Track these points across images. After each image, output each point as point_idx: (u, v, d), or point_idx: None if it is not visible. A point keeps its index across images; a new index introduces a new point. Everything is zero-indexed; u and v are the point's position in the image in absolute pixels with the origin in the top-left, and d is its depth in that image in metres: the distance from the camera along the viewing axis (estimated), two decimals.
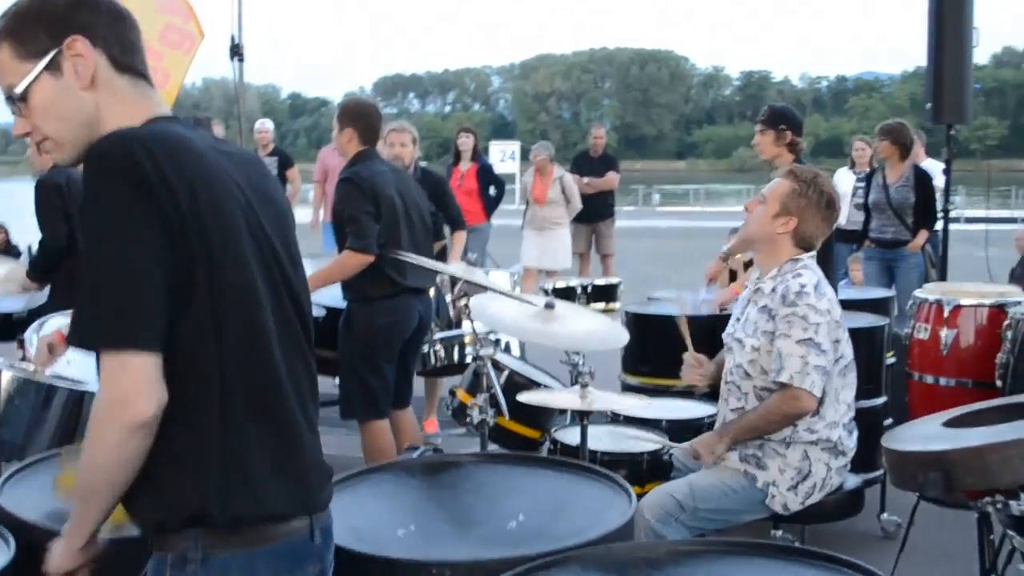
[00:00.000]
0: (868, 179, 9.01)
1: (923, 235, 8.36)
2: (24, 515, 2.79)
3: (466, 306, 4.28)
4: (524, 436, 4.74)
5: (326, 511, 2.17)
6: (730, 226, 13.40)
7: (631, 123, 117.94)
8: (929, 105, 8.15)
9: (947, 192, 8.40)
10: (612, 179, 12.56)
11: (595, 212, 12.37)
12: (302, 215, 9.38)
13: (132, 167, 1.89)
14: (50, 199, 6.28)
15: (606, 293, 7.53)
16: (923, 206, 8.40)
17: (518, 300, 4.46)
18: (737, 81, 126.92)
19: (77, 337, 1.92)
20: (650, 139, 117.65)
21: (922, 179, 8.43)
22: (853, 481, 4.19)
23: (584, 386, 4.12)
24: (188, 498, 1.99)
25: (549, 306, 4.60)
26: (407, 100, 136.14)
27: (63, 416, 4.29)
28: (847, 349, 4.03)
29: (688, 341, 4.47)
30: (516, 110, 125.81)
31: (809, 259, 4.08)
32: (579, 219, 12.35)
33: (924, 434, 3.34)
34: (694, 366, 4.45)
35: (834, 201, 4.11)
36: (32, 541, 2.62)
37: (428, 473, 3.40)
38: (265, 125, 12.95)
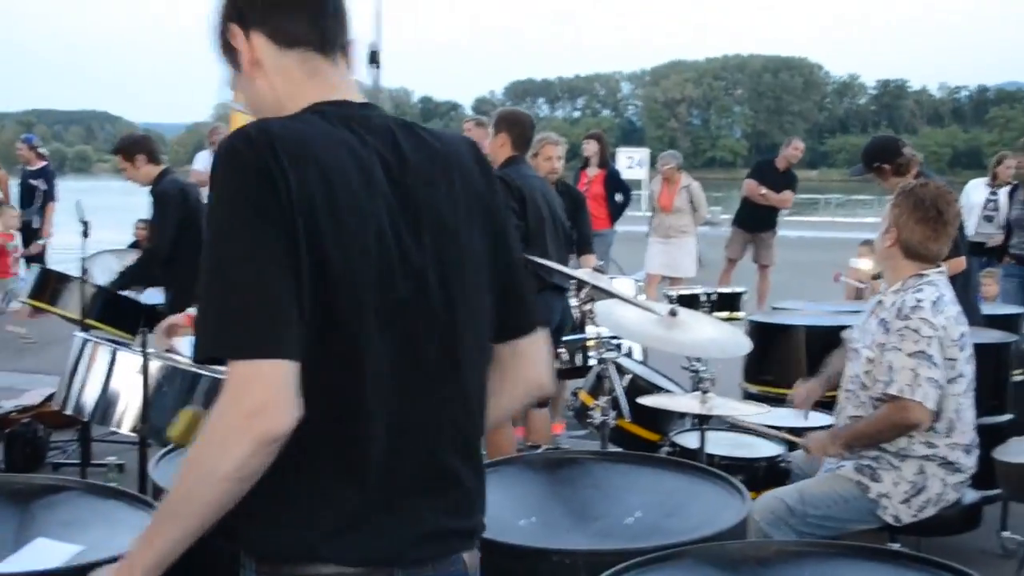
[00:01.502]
0: (1011, 194, 8.82)
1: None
2: None
3: (591, 311, 4.40)
4: (644, 438, 4.85)
5: (424, 566, 1.90)
6: (860, 237, 13.26)
7: (763, 131, 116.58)
8: None
9: None
10: (787, 198, 12.19)
11: (759, 221, 12.19)
12: None
13: (262, 170, 1.74)
14: (168, 209, 6.61)
15: (730, 302, 7.56)
16: None
17: (642, 307, 4.57)
18: (873, 89, 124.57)
19: (208, 346, 1.74)
20: (782, 147, 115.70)
21: None
22: (971, 496, 4.20)
23: (705, 392, 4.22)
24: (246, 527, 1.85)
25: (673, 313, 4.70)
26: (536, 105, 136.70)
27: (205, 403, 4.54)
28: (967, 368, 4.04)
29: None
30: (645, 116, 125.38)
31: (936, 275, 4.10)
32: (740, 224, 12.26)
33: None
34: (804, 402, 4.52)
35: (935, 206, 4.08)
36: None
37: (550, 468, 3.52)
38: None
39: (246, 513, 1.78)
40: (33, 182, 12.99)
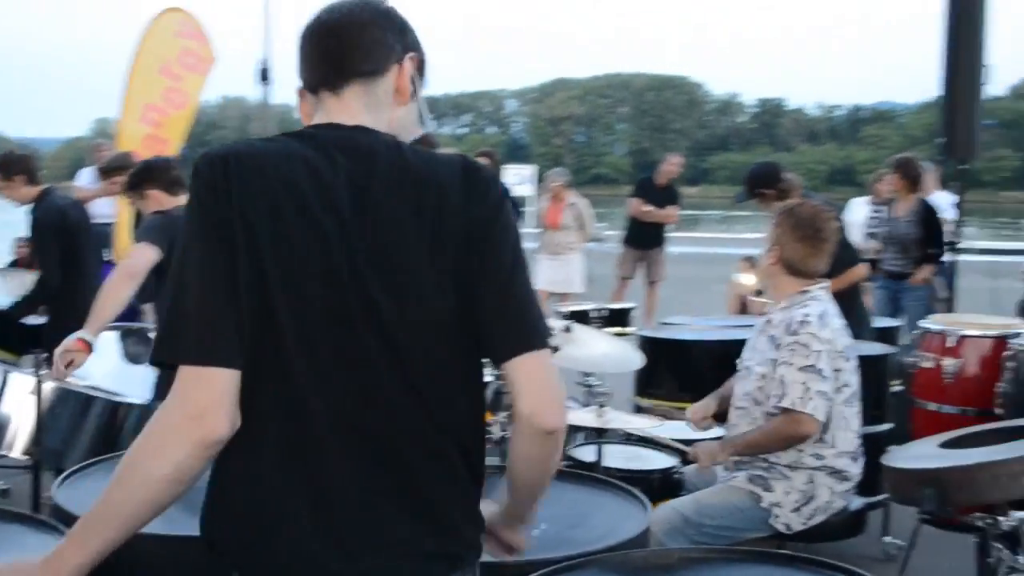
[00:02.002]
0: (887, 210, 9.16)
1: (927, 269, 8.52)
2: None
3: None
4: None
5: None
6: (742, 252, 13.57)
7: (646, 148, 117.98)
8: (941, 140, 8.33)
9: (958, 225, 8.57)
10: (671, 214, 12.44)
11: (648, 239, 12.41)
12: None
13: (210, 184, 1.90)
14: (48, 237, 6.48)
15: (620, 317, 7.70)
16: (928, 240, 8.55)
17: None
18: (752, 108, 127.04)
19: (161, 349, 1.90)
20: (661, 164, 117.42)
21: (929, 213, 8.57)
22: (856, 503, 4.37)
23: (601, 406, 4.31)
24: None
25: (567, 329, 4.79)
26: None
27: (100, 425, 4.50)
28: (852, 378, 4.20)
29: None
30: (531, 133, 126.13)
31: (819, 290, 4.27)
32: (630, 243, 12.44)
33: (921, 454, 3.53)
34: (701, 420, 4.63)
35: (812, 225, 4.26)
36: None
37: None
38: None
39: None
40: None
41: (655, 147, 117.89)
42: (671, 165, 12.72)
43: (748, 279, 11.84)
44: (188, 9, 12.38)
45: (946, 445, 3.59)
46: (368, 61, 2.07)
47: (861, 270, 6.26)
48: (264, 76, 8.35)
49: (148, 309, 7.91)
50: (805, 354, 4.03)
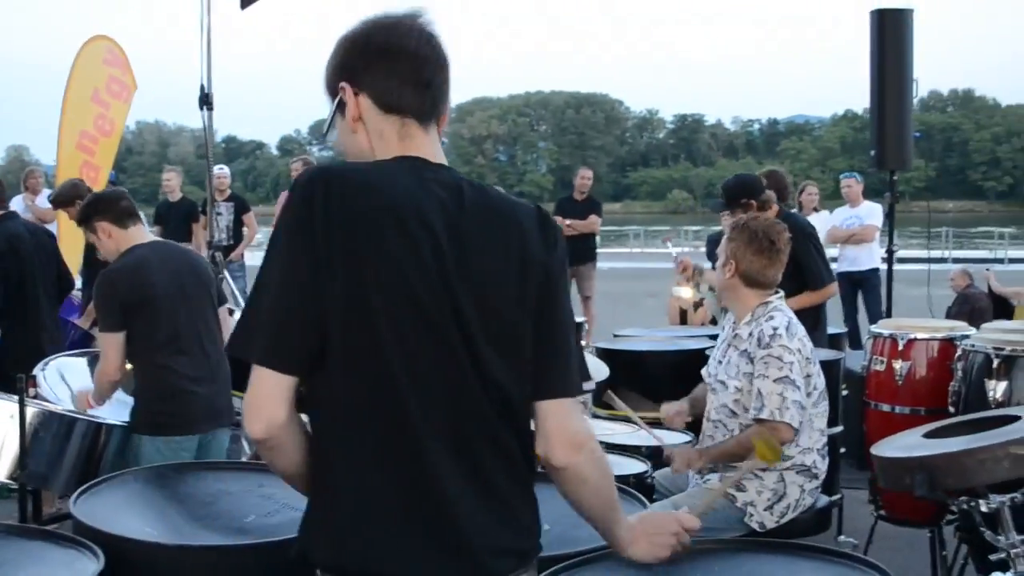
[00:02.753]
0: None
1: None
2: (108, 528, 3.04)
3: None
4: None
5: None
6: (667, 267, 13.82)
7: (567, 165, 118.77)
8: (873, 152, 8.60)
9: (891, 234, 8.86)
10: (594, 222, 12.73)
11: (576, 255, 12.51)
12: (257, 258, 9.66)
13: (307, 199, 2.01)
14: None
15: None
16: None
17: None
18: (671, 124, 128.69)
19: (236, 345, 2.06)
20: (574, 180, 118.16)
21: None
22: (823, 500, 4.56)
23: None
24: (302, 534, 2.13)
25: None
26: None
27: (83, 446, 4.55)
28: (819, 380, 4.41)
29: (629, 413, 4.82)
30: (453, 153, 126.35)
31: (778, 300, 4.47)
32: None
33: (909, 444, 3.74)
34: (677, 415, 4.80)
35: (767, 237, 4.47)
36: (120, 553, 2.89)
37: None
38: (223, 171, 13.17)
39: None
40: None
41: (576, 164, 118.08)
42: (581, 179, 13.28)
43: (687, 292, 12.05)
44: (111, 37, 12.48)
45: (929, 435, 3.80)
46: (446, 104, 2.27)
47: (834, 287, 6.56)
48: (204, 102, 8.36)
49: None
50: (779, 366, 4.22)
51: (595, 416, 6.20)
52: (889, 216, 8.90)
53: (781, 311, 4.41)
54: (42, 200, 12.33)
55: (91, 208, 4.95)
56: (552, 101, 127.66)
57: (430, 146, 2.21)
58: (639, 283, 19.52)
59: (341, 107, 2.21)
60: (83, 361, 5.62)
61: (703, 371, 4.71)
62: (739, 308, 4.51)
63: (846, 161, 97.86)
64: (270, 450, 2.08)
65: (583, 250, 12.71)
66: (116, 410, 4.88)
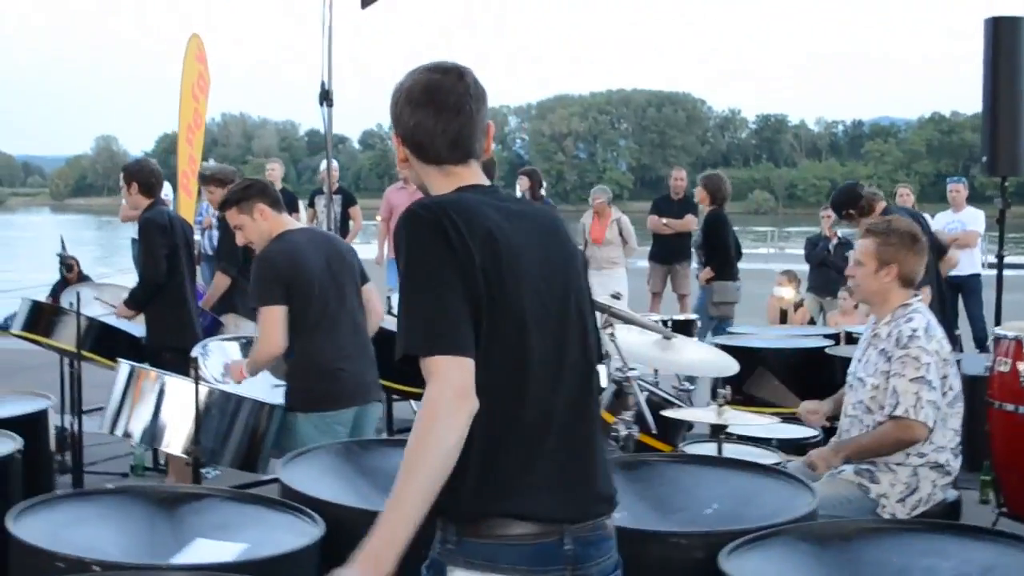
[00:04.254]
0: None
1: (706, 271, 10.44)
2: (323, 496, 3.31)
3: (612, 335, 4.82)
4: (658, 451, 5.26)
5: (585, 524, 2.50)
6: (754, 267, 13.97)
7: (647, 164, 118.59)
8: (984, 158, 8.65)
9: (1001, 239, 8.88)
10: (690, 221, 12.71)
11: (673, 253, 12.71)
12: (366, 252, 9.97)
13: (435, 224, 2.40)
14: (156, 238, 6.79)
15: (685, 328, 8.03)
16: (709, 247, 10.50)
17: (659, 332, 5.04)
18: (753, 124, 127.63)
19: (410, 346, 2.37)
20: (666, 181, 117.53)
21: (714, 225, 10.46)
22: (952, 495, 4.71)
23: (721, 404, 4.67)
24: (446, 492, 2.37)
25: (667, 337, 5.16)
26: None
27: (248, 424, 4.85)
28: (955, 382, 4.56)
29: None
30: (532, 150, 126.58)
31: (918, 302, 4.62)
32: (656, 259, 12.78)
33: None
34: (812, 413, 4.97)
35: (915, 234, 4.65)
36: (338, 518, 3.16)
37: (625, 470, 3.93)
38: (334, 164, 13.50)
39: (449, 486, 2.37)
40: None
41: (657, 163, 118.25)
42: (677, 180, 13.39)
43: (787, 292, 12.19)
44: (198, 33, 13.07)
45: None
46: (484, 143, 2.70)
47: (927, 292, 6.80)
48: (324, 98, 8.58)
49: (228, 320, 8.26)
50: (916, 366, 4.38)
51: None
52: (999, 222, 8.92)
53: (920, 313, 4.56)
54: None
55: (251, 189, 5.19)
56: (633, 99, 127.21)
57: (473, 176, 2.62)
58: None
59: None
60: (236, 345, 5.93)
61: (848, 373, 4.88)
62: (883, 309, 4.65)
63: (932, 164, 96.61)
64: (464, 427, 2.35)
65: (679, 249, 12.82)
66: (267, 395, 5.16)
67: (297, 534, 3.13)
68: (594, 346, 2.62)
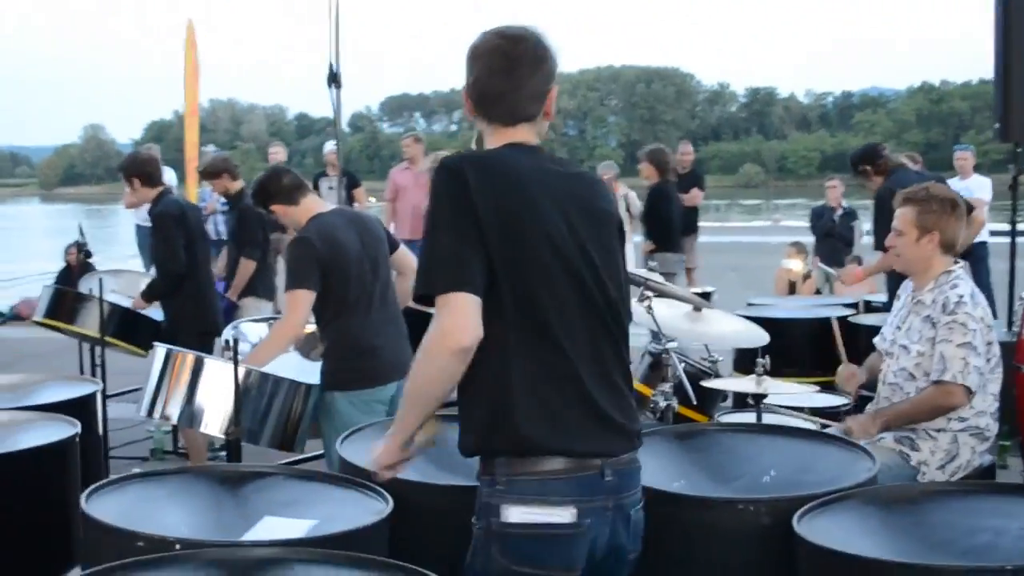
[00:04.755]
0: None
1: (647, 244, 10.94)
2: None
3: (649, 307, 4.83)
4: (695, 422, 5.28)
5: (620, 458, 2.77)
6: (743, 240, 14.01)
7: (637, 140, 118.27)
8: (997, 125, 8.63)
9: (1014, 207, 8.87)
10: (696, 196, 12.77)
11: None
12: None
13: (457, 174, 2.66)
14: (172, 230, 6.79)
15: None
16: (651, 221, 11.00)
17: (694, 303, 5.05)
18: (743, 97, 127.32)
19: (420, 287, 2.67)
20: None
21: (656, 199, 10.91)
22: (988, 460, 4.74)
23: (760, 374, 4.68)
24: (494, 435, 2.68)
25: (698, 308, 5.17)
26: (413, 119, 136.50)
27: (286, 404, 4.86)
28: (996, 348, 4.57)
29: (842, 350, 4.99)
30: None
31: (960, 269, 4.63)
32: None
33: None
34: (850, 378, 4.98)
35: (954, 200, 4.65)
36: (401, 494, 3.17)
37: (681, 439, 3.97)
38: (331, 147, 13.55)
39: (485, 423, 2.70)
40: None
41: (647, 138, 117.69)
42: (684, 155, 13.55)
43: (796, 264, 12.23)
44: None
45: None
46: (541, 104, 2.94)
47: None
48: (332, 79, 8.57)
49: (246, 304, 8.27)
50: (963, 332, 4.38)
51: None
52: (1012, 189, 8.92)
53: (964, 280, 4.57)
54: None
55: (286, 182, 5.18)
56: (622, 75, 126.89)
57: (520, 135, 2.84)
58: (717, 257, 19.41)
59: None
60: (264, 326, 5.94)
61: (876, 339, 4.88)
62: (925, 277, 4.63)
63: (922, 134, 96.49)
64: (463, 362, 2.62)
65: (686, 223, 12.79)
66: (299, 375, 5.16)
67: (364, 510, 3.14)
68: (618, 299, 2.83)
